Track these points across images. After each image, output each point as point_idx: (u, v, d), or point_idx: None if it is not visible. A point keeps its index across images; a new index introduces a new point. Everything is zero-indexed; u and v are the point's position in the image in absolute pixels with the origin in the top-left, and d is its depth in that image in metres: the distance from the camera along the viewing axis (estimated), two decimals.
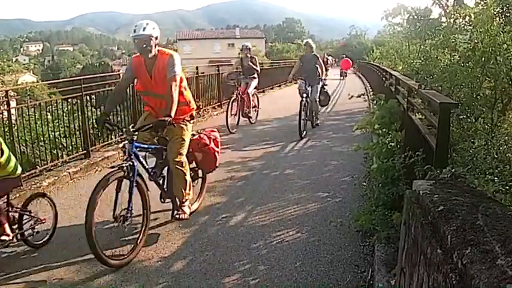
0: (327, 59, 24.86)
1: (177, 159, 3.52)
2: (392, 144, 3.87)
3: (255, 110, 9.08)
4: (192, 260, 3.14)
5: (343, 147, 6.79)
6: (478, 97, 5.71)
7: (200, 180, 4.26)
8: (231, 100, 8.23)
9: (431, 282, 1.36)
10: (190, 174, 3.79)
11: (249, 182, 5.04)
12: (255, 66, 8.65)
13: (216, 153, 4.01)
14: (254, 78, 8.73)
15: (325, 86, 8.78)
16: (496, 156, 3.49)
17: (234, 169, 5.56)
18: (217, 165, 4.14)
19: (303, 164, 5.85)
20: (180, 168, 3.54)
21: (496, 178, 2.70)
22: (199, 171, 4.20)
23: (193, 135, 3.86)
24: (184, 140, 3.58)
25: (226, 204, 4.29)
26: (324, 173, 5.44)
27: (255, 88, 8.87)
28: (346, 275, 2.92)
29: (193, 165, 4.03)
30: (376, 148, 4.11)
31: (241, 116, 8.52)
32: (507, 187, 2.71)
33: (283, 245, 3.38)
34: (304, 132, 7.56)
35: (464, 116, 4.91)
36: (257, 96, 9.30)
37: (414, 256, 1.65)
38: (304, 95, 7.63)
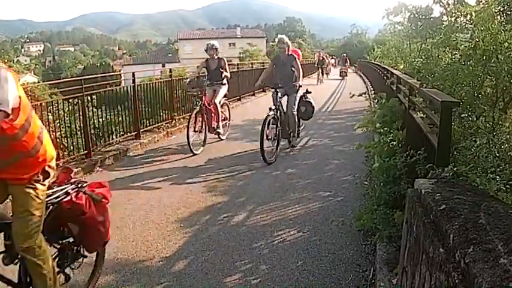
0: (323, 57, 24.73)
1: (25, 246, 2.16)
2: (394, 143, 3.86)
3: (226, 124, 7.47)
4: (193, 260, 3.14)
5: (344, 146, 6.80)
6: (480, 96, 5.69)
7: (88, 258, 2.69)
8: (194, 113, 6.52)
9: (433, 281, 1.35)
10: (67, 253, 2.55)
11: (250, 181, 5.04)
12: (223, 70, 6.99)
13: (100, 225, 2.52)
14: (223, 84, 7.04)
15: (307, 94, 6.77)
16: (497, 154, 3.49)
17: (235, 168, 5.57)
18: (107, 239, 2.65)
19: (304, 163, 5.85)
20: (32, 257, 2.20)
21: (497, 177, 2.70)
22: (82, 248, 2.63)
23: (67, 193, 2.40)
24: (33, 215, 2.17)
25: (227, 204, 4.29)
26: (325, 172, 5.44)
27: (224, 97, 7.22)
28: (347, 274, 2.91)
29: (72, 239, 2.55)
30: (377, 147, 4.11)
31: (207, 132, 6.77)
32: (509, 186, 2.70)
33: (284, 244, 3.38)
34: (274, 157, 5.86)
35: (466, 115, 4.89)
36: (228, 106, 7.75)
37: (416, 255, 1.65)
38: (273, 108, 6.01)
